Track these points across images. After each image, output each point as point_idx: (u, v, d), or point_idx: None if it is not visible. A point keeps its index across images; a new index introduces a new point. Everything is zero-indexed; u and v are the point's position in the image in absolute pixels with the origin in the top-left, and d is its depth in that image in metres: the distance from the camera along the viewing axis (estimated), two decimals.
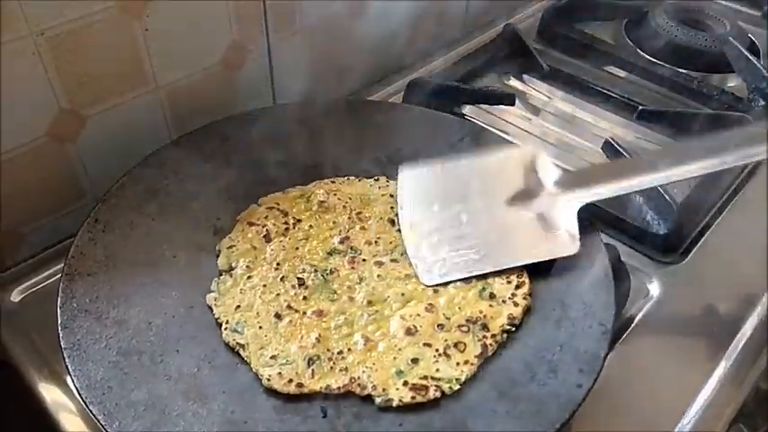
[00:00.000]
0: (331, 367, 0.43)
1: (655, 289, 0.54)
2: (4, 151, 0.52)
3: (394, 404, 0.41)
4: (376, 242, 0.52)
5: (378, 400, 0.41)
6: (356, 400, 0.42)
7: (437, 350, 0.44)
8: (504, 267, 0.48)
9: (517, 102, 0.72)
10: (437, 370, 0.42)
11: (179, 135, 0.60)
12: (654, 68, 0.78)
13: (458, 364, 0.43)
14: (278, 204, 0.55)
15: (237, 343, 0.44)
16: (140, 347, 0.43)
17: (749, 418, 0.50)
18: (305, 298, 0.47)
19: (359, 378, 0.42)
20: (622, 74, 0.79)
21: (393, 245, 0.51)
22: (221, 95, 0.65)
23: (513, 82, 0.79)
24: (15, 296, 0.54)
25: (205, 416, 0.39)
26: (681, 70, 0.78)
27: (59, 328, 0.42)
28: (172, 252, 0.50)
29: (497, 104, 0.72)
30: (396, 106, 0.65)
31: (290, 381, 0.42)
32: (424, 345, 0.44)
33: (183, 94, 0.61)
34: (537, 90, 0.77)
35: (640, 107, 0.69)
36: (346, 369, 0.43)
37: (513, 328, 0.45)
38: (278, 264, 0.50)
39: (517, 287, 0.48)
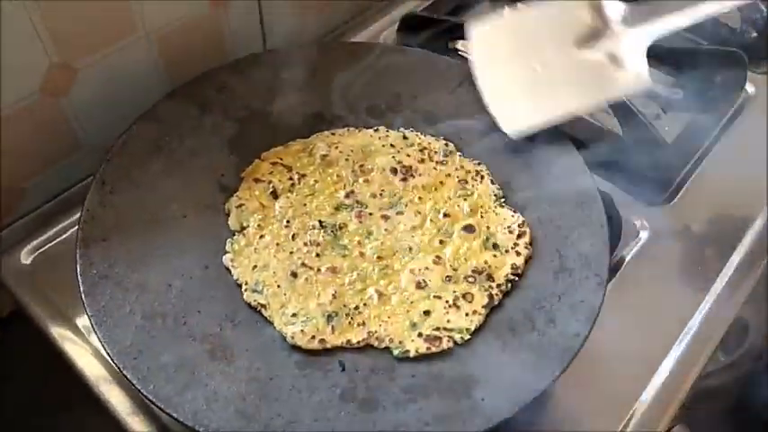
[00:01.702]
0: (349, 322, 0.45)
1: (644, 230, 0.57)
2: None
3: (411, 355, 0.44)
4: (381, 194, 0.53)
5: (395, 352, 0.44)
6: (372, 353, 0.45)
7: (447, 302, 0.46)
8: (578, 110, 0.51)
9: None
10: (448, 321, 0.45)
11: (172, 83, 0.60)
12: None
13: (467, 314, 0.46)
14: (281, 159, 0.55)
15: (259, 303, 0.46)
16: (163, 310, 0.45)
17: (728, 345, 0.56)
18: (318, 255, 0.49)
19: (376, 332, 0.45)
20: None
21: (398, 197, 0.53)
22: (211, 41, 0.63)
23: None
24: (25, 257, 0.55)
25: (233, 374, 0.42)
26: None
27: (83, 296, 0.44)
28: (181, 212, 0.50)
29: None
30: (392, 49, 0.64)
31: (313, 337, 0.44)
32: (435, 297, 0.47)
33: (173, 39, 0.60)
34: None
35: None
36: (363, 323, 0.45)
37: (517, 278, 0.48)
38: (288, 221, 0.51)
39: (519, 236, 0.50)
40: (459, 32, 0.71)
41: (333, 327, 0.45)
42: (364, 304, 0.46)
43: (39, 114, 0.54)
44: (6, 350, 0.47)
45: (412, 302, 0.46)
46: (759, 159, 0.62)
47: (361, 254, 0.49)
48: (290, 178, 0.54)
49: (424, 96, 0.59)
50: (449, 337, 0.45)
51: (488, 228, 0.51)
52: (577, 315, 0.44)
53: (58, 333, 0.51)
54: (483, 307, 0.46)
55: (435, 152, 0.55)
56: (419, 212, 0.52)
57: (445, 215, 0.51)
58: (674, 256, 0.56)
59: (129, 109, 0.54)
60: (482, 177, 0.54)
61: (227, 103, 0.57)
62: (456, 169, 0.54)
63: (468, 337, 0.45)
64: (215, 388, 0.41)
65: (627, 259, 0.55)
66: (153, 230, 0.49)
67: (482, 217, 0.51)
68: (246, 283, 0.48)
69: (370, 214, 0.52)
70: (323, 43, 0.71)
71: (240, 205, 0.52)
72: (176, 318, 0.44)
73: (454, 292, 0.47)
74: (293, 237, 0.50)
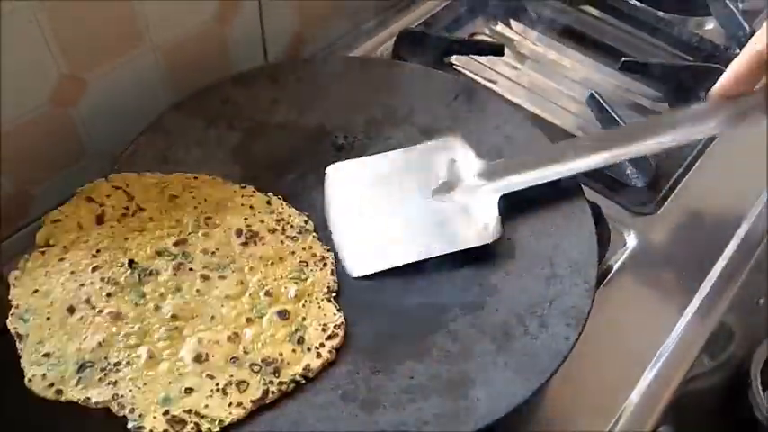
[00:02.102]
0: (99, 378, 0.41)
1: (631, 239, 0.60)
2: (11, 120, 0.53)
3: None
4: (213, 253, 0.49)
5: (130, 425, 0.39)
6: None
7: (217, 384, 0.42)
8: (428, 256, 0.51)
9: (505, 50, 0.74)
10: (206, 406, 0.41)
11: (176, 95, 0.62)
12: (635, 13, 0.79)
13: (230, 404, 0.41)
14: (127, 186, 0.51)
15: (17, 333, 0.42)
16: None
17: (713, 350, 0.58)
18: (108, 295, 0.44)
19: (122, 396, 0.40)
20: (597, 13, 0.81)
21: (229, 260, 0.48)
22: (214, 53, 0.65)
23: (501, 27, 0.80)
24: None
25: None
26: (660, 13, 0.80)
27: None
28: None
29: (487, 55, 0.73)
30: (390, 63, 0.67)
31: (51, 385, 0.40)
32: (207, 376, 0.42)
33: (179, 52, 0.62)
34: (523, 37, 0.79)
35: (623, 58, 0.71)
36: (115, 383, 0.41)
37: (303, 380, 0.43)
38: (98, 251, 0.46)
39: (329, 338, 0.46)
40: (454, 48, 0.74)
41: (80, 378, 0.40)
42: (128, 362, 0.42)
43: (48, 124, 0.56)
44: (7, 355, 0.48)
45: (180, 374, 0.42)
46: (741, 172, 0.65)
47: (157, 308, 0.45)
48: (126, 208, 0.49)
49: (421, 110, 0.61)
50: (195, 423, 0.40)
51: (303, 319, 0.46)
52: (568, 320, 0.46)
53: None
54: (251, 401, 0.41)
55: (291, 226, 0.52)
56: (242, 282, 0.47)
57: (267, 293, 0.47)
58: (660, 264, 0.58)
59: (135, 119, 0.56)
60: (324, 265, 0.50)
61: (232, 115, 0.59)
62: (303, 249, 0.51)
63: (217, 429, 0.40)
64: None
65: (615, 266, 0.57)
66: None
67: (303, 306, 0.47)
68: (17, 307, 0.43)
69: (191, 269, 0.47)
70: (322, 57, 0.73)
71: (57, 220, 0.48)
72: None
73: (231, 376, 0.42)
74: (94, 269, 0.45)
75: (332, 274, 0.50)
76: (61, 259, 0.46)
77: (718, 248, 0.59)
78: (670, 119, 0.52)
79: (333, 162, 0.58)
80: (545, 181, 0.52)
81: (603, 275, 0.57)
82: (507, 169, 0.53)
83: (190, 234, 0.49)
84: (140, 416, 0.40)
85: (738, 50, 0.74)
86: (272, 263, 0.49)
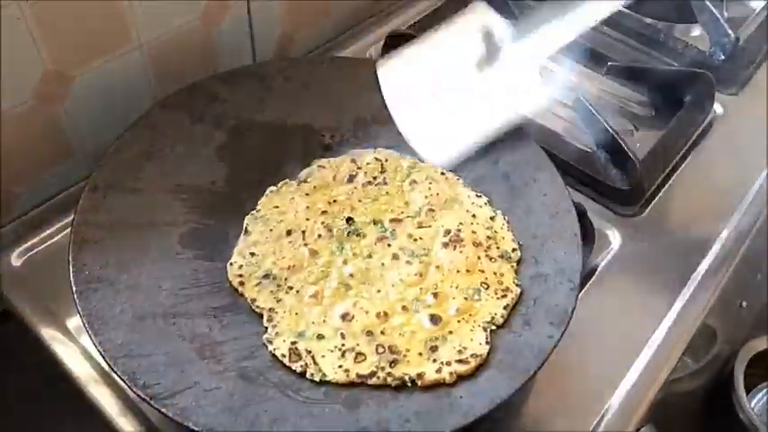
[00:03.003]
0: (272, 291, 0.49)
1: (615, 240, 0.60)
2: None
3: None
4: (415, 240, 0.52)
5: (265, 336, 0.46)
6: None
7: (342, 345, 0.46)
8: (493, 131, 0.52)
9: None
10: (322, 356, 0.45)
11: (163, 93, 0.61)
12: (623, 19, 0.80)
13: (340, 366, 0.45)
14: (386, 161, 0.58)
15: (246, 228, 0.52)
16: (153, 311, 0.46)
17: (697, 351, 0.58)
18: (319, 236, 0.52)
19: (276, 312, 0.48)
20: None
21: (424, 252, 0.51)
22: (202, 52, 0.65)
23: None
24: (16, 260, 0.56)
25: (221, 372, 0.43)
26: (647, 20, 0.81)
27: (75, 296, 0.45)
28: (172, 217, 0.52)
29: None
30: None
31: (240, 275, 0.50)
32: (341, 334, 0.46)
33: (166, 50, 0.62)
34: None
35: (609, 63, 0.72)
36: (279, 301, 0.48)
37: (410, 384, 0.44)
38: (334, 200, 0.55)
39: (459, 362, 0.45)
40: None
41: (260, 283, 0.49)
42: (297, 291, 0.49)
43: (33, 120, 0.56)
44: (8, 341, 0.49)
45: (323, 321, 0.47)
46: (725, 175, 0.66)
47: (345, 262, 0.51)
48: (374, 177, 0.57)
49: None
50: (306, 364, 0.45)
51: (450, 333, 0.47)
52: (551, 318, 0.46)
53: (48, 334, 0.52)
54: (357, 375, 0.44)
55: (497, 248, 0.52)
56: (421, 275, 0.50)
57: (434, 295, 0.49)
58: (643, 265, 0.59)
59: (121, 116, 0.56)
60: (504, 297, 0.49)
61: (218, 113, 0.58)
62: (494, 273, 0.50)
63: (317, 380, 0.44)
64: (204, 385, 0.42)
65: (599, 267, 0.58)
66: (144, 234, 0.50)
67: (458, 322, 0.47)
68: (258, 211, 0.54)
69: (389, 245, 0.52)
70: (310, 57, 0.73)
71: (321, 166, 0.57)
72: (166, 318, 0.46)
73: (357, 344, 0.46)
74: (322, 212, 0.53)
75: (504, 309, 0.48)
76: (307, 194, 0.55)
77: (702, 250, 0.60)
78: None
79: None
80: (576, 34, 0.52)
81: (588, 276, 0.57)
82: (539, 28, 0.53)
83: (408, 217, 0.54)
84: (276, 334, 0.46)
85: (723, 57, 0.76)
86: (458, 271, 0.50)
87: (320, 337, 0.46)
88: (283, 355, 0.45)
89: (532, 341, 0.46)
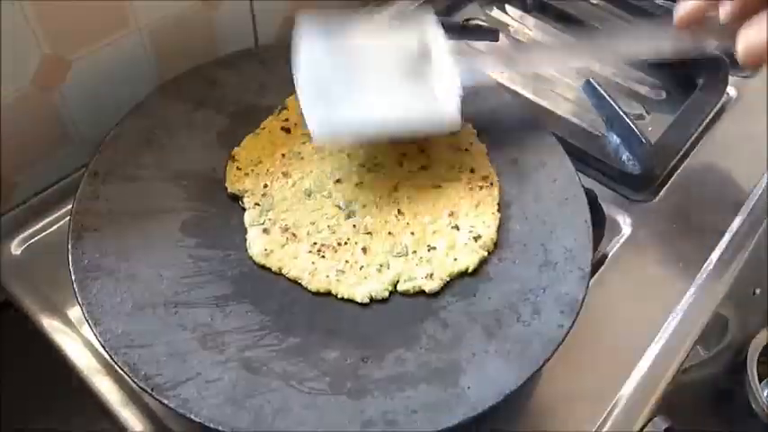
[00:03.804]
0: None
1: (627, 227, 0.59)
2: None
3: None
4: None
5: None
6: (363, 346, 0.45)
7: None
8: (389, 131, 0.51)
9: (500, 35, 0.72)
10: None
11: (163, 78, 0.60)
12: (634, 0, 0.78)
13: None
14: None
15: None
16: (154, 300, 0.45)
17: (709, 340, 0.57)
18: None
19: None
20: (597, 1, 0.80)
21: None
22: (203, 36, 0.64)
23: (496, 12, 0.79)
24: (16, 248, 0.55)
25: (223, 362, 0.43)
26: (659, 0, 0.79)
27: (74, 285, 0.44)
28: (172, 204, 0.51)
29: (482, 40, 0.72)
30: None
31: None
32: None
33: (165, 35, 0.60)
34: (519, 22, 0.78)
35: None
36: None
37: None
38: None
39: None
40: (449, 32, 0.72)
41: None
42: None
43: (31, 106, 0.55)
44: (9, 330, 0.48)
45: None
46: (739, 160, 0.64)
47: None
48: None
49: None
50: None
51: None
52: (561, 307, 0.45)
53: (49, 324, 0.51)
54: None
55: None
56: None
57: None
58: (655, 252, 0.57)
59: (120, 102, 0.55)
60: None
61: (218, 98, 0.57)
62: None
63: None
64: (206, 376, 0.41)
65: (610, 254, 0.56)
66: (144, 222, 0.49)
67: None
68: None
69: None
70: None
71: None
72: (167, 307, 0.45)
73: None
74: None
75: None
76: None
77: (715, 237, 0.58)
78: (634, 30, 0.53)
79: None
80: (507, 71, 0.52)
81: (599, 263, 0.56)
82: (473, 60, 0.53)
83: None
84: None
85: None
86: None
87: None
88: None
89: (542, 330, 0.44)
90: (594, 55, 0.51)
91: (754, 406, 0.60)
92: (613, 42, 0.52)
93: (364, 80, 0.52)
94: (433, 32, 0.54)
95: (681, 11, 0.49)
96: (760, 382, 0.61)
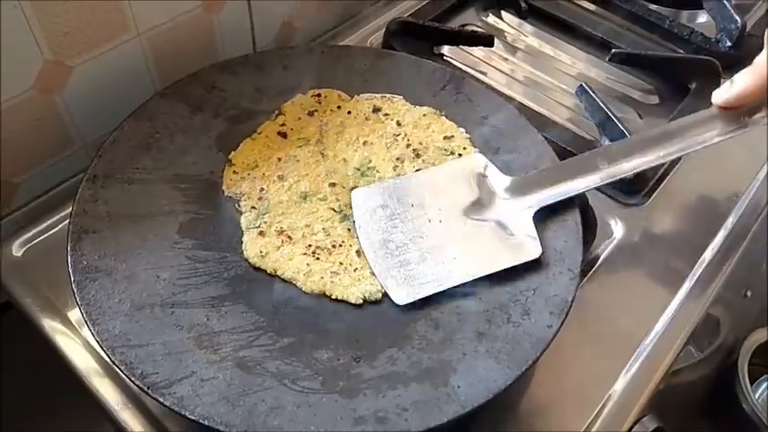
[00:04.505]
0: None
1: (618, 230, 0.59)
2: None
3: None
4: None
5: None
6: (356, 344, 0.46)
7: None
8: (473, 277, 0.49)
9: (495, 41, 0.73)
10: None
11: (163, 83, 0.61)
12: (627, 6, 0.79)
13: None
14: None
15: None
16: (151, 300, 0.46)
17: (700, 341, 0.58)
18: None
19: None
20: (589, 5, 0.81)
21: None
22: (202, 42, 0.65)
23: (492, 18, 0.80)
24: (17, 250, 0.56)
25: (218, 361, 0.43)
26: (652, 6, 0.80)
27: (73, 286, 0.45)
28: (170, 207, 0.52)
29: (477, 46, 0.73)
30: (378, 52, 0.66)
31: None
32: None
33: (165, 40, 0.61)
34: (515, 28, 0.79)
35: (613, 50, 0.71)
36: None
37: None
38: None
39: None
40: (444, 39, 0.73)
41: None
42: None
43: (32, 111, 0.56)
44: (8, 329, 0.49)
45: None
46: (730, 163, 0.65)
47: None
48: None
49: (409, 99, 0.61)
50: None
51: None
52: (551, 308, 0.46)
53: (50, 326, 0.52)
54: None
55: None
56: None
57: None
58: (646, 255, 0.58)
59: (121, 107, 0.56)
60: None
61: (217, 103, 0.58)
62: None
63: None
64: (201, 375, 0.42)
65: (601, 257, 0.57)
66: (143, 224, 0.50)
67: None
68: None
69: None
70: (311, 46, 0.72)
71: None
72: (164, 307, 0.46)
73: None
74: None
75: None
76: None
77: (706, 240, 0.59)
78: (683, 124, 0.51)
79: None
80: (575, 193, 0.51)
81: (590, 265, 0.57)
82: (537, 184, 0.52)
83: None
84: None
85: (729, 43, 0.74)
86: None
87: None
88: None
89: (531, 331, 0.45)
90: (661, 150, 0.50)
91: (744, 407, 0.61)
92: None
93: (430, 232, 0.51)
94: (488, 169, 0.54)
95: (728, 94, 0.48)
96: (751, 384, 0.62)
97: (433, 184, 0.54)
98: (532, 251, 0.49)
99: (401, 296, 0.48)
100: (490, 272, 0.49)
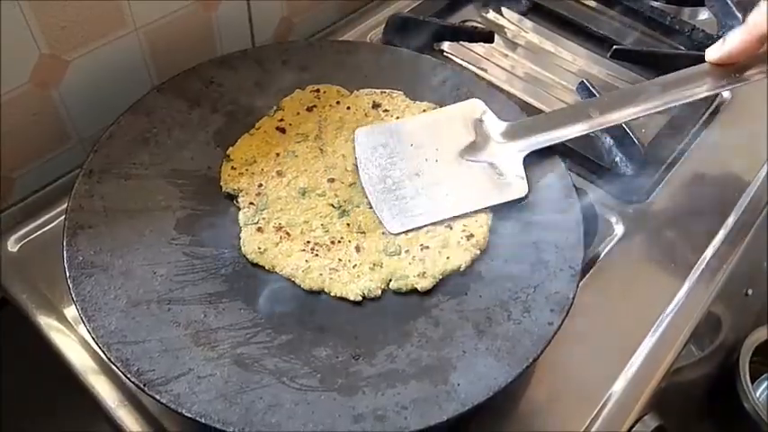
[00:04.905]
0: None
1: (619, 227, 0.59)
2: None
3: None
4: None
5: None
6: (355, 341, 0.46)
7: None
8: (463, 212, 0.52)
9: (496, 37, 0.73)
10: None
11: (160, 77, 0.61)
12: (629, 2, 0.79)
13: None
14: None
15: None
16: (148, 297, 0.45)
17: (701, 340, 0.57)
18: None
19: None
20: (590, 2, 0.80)
21: None
22: (200, 37, 0.64)
23: (492, 14, 0.79)
24: (12, 246, 0.55)
25: (215, 358, 0.43)
26: (654, 3, 0.80)
27: (69, 282, 0.45)
28: (167, 202, 0.51)
29: (477, 42, 0.72)
30: (378, 48, 0.66)
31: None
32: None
33: (162, 35, 0.61)
34: (515, 24, 0.78)
35: (614, 46, 0.70)
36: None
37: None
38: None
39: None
40: (444, 34, 0.73)
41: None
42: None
43: (28, 105, 0.55)
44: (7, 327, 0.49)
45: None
46: (732, 161, 0.65)
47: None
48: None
49: (410, 94, 0.60)
50: None
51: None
52: (551, 305, 0.46)
53: (46, 322, 0.51)
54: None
55: None
56: None
57: None
58: (647, 252, 0.58)
59: (118, 101, 0.55)
60: None
61: (215, 98, 0.58)
62: None
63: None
64: (198, 372, 0.42)
65: (602, 254, 0.57)
66: (139, 220, 0.50)
67: None
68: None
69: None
70: (310, 41, 0.72)
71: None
72: (160, 304, 0.45)
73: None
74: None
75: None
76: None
77: (707, 237, 0.59)
78: (674, 78, 0.54)
79: None
80: (566, 139, 0.53)
81: (591, 263, 0.56)
82: (530, 129, 0.55)
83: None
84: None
85: None
86: None
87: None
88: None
89: (532, 328, 0.45)
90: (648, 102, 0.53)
91: (745, 405, 0.60)
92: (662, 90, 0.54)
93: (426, 170, 0.54)
94: (485, 114, 0.57)
95: (720, 52, 0.51)
96: (752, 382, 0.61)
97: (432, 126, 0.57)
98: (520, 190, 0.52)
99: (395, 226, 0.51)
100: (479, 207, 0.52)
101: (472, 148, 0.55)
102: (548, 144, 0.54)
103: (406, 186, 0.53)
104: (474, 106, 0.57)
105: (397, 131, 0.57)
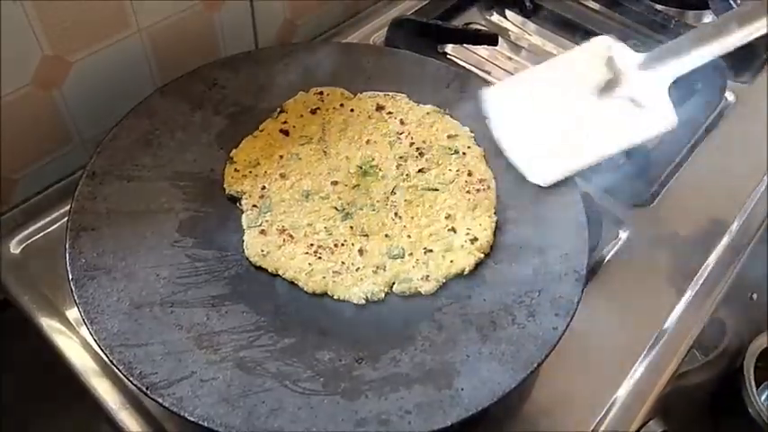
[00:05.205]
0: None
1: (624, 231, 0.59)
2: None
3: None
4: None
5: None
6: (358, 345, 0.45)
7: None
8: (608, 154, 0.51)
9: (500, 40, 0.73)
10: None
11: (163, 79, 0.61)
12: (633, 5, 0.79)
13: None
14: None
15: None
16: (151, 299, 0.45)
17: (706, 344, 0.57)
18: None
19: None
20: (594, 5, 0.80)
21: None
22: (203, 38, 0.64)
23: (496, 17, 0.79)
24: (15, 247, 0.55)
25: (218, 362, 0.43)
26: (658, 6, 0.79)
27: (71, 284, 0.44)
28: (170, 204, 0.51)
29: (480, 44, 0.72)
30: (382, 50, 0.66)
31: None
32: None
33: (165, 36, 0.61)
34: (519, 27, 0.78)
35: None
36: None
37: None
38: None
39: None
40: (448, 37, 0.73)
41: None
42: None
43: (30, 106, 0.55)
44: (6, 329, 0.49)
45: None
46: (736, 165, 0.64)
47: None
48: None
49: (413, 97, 0.60)
50: None
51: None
52: (556, 309, 0.45)
53: (48, 324, 0.51)
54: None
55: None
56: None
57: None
58: (652, 257, 0.57)
59: (121, 103, 0.55)
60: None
61: (218, 100, 0.58)
62: None
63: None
64: (200, 375, 0.42)
65: (607, 258, 0.57)
66: (142, 222, 0.49)
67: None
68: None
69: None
70: (312, 43, 0.72)
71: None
72: (163, 306, 0.45)
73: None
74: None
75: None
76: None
77: (712, 241, 0.58)
78: None
79: None
80: (706, 60, 0.51)
81: (596, 267, 0.56)
82: (668, 54, 0.52)
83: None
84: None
85: None
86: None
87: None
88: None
89: (536, 333, 0.44)
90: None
91: (750, 410, 0.60)
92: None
93: (566, 114, 0.53)
94: (617, 49, 0.54)
95: None
96: (757, 387, 0.61)
97: (563, 69, 0.55)
98: (668, 121, 0.50)
99: (543, 178, 0.51)
100: (624, 148, 0.51)
101: (609, 86, 0.53)
102: (689, 68, 0.51)
103: (547, 135, 0.52)
104: (601, 43, 0.55)
105: (530, 80, 0.55)
